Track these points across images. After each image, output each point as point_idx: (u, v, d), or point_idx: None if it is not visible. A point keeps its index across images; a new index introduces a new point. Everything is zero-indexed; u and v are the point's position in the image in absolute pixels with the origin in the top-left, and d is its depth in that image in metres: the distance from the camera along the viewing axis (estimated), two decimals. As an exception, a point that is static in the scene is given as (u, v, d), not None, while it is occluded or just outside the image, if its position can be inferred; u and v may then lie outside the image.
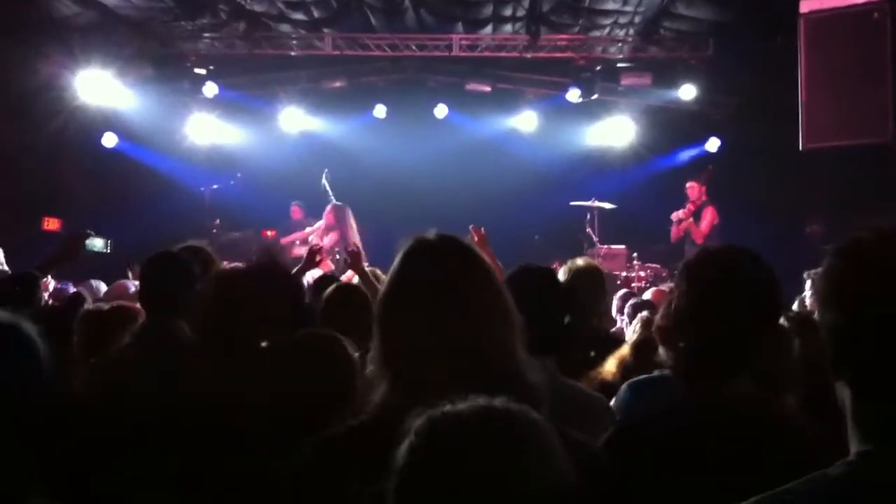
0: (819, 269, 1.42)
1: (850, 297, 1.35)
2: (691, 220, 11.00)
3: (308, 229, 11.95)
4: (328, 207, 11.43)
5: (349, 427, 1.87)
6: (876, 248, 1.36)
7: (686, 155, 12.73)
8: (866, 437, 1.33)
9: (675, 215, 11.16)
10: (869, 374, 1.33)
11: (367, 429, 1.83)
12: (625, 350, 3.73)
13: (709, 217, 10.97)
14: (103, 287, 6.70)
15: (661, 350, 2.31)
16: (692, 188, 11.18)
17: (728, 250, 2.16)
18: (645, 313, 4.07)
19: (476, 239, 5.61)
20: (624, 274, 10.66)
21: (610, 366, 3.66)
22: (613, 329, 5.73)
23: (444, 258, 1.89)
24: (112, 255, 5.69)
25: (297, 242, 11.90)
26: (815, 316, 1.52)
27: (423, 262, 1.90)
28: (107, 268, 7.33)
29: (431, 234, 1.95)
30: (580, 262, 4.39)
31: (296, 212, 12.61)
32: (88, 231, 4.87)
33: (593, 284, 4.17)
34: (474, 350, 1.78)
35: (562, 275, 4.23)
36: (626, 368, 3.62)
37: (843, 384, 1.37)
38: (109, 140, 12.34)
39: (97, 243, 5.04)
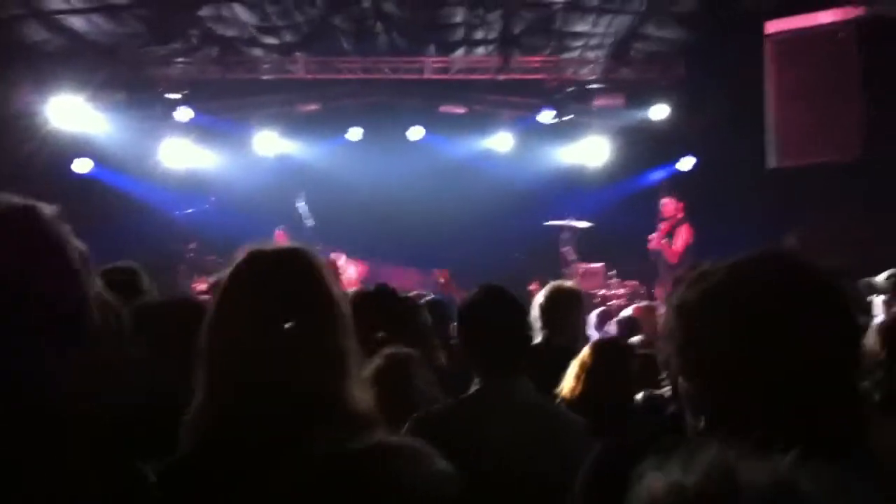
0: None
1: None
2: (665, 239, 10.97)
3: None
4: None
5: (170, 462, 1.73)
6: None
7: (660, 173, 12.82)
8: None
9: (651, 238, 11.06)
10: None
11: (189, 463, 1.72)
12: (584, 355, 3.66)
13: (683, 236, 10.86)
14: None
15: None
16: (667, 205, 11.12)
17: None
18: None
19: (443, 282, 5.67)
20: (602, 292, 10.70)
21: (568, 381, 3.61)
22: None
23: (280, 277, 1.77)
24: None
25: None
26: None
27: (256, 284, 1.78)
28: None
29: (268, 245, 1.84)
30: (559, 283, 4.42)
31: (280, 237, 12.52)
32: None
33: (570, 305, 4.20)
34: (304, 381, 1.69)
35: (540, 296, 4.26)
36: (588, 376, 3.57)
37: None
38: (82, 166, 12.24)
39: None
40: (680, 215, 11.00)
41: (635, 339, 5.22)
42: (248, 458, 1.64)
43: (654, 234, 11.02)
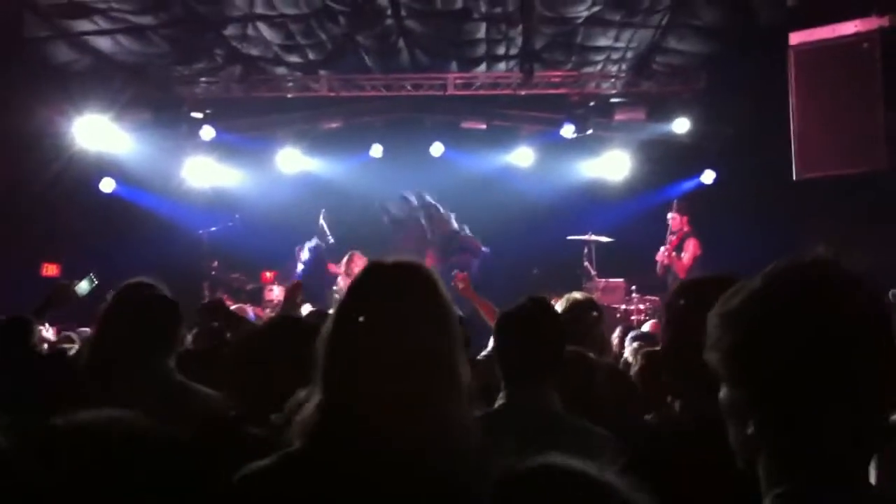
0: None
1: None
2: (674, 254, 10.91)
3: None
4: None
5: (279, 457, 1.79)
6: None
7: (682, 187, 12.76)
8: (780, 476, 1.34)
9: (660, 255, 11.07)
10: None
11: (298, 461, 1.77)
12: None
13: (691, 249, 10.84)
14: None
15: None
16: (674, 219, 11.10)
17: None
18: (635, 343, 4.07)
19: (461, 287, 5.68)
20: (623, 307, 10.66)
21: None
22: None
23: (399, 291, 1.80)
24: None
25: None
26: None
27: (376, 292, 1.81)
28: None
29: (388, 260, 1.87)
30: (576, 294, 4.41)
31: (302, 255, 12.59)
32: (91, 275, 4.90)
33: (588, 316, 4.18)
34: (412, 395, 1.71)
35: (559, 307, 4.25)
36: None
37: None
38: (107, 185, 12.38)
39: (83, 286, 5.06)
40: (686, 229, 10.97)
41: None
42: (361, 461, 1.68)
43: (660, 252, 10.99)
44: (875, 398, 1.33)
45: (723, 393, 1.43)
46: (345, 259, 11.02)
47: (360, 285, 1.85)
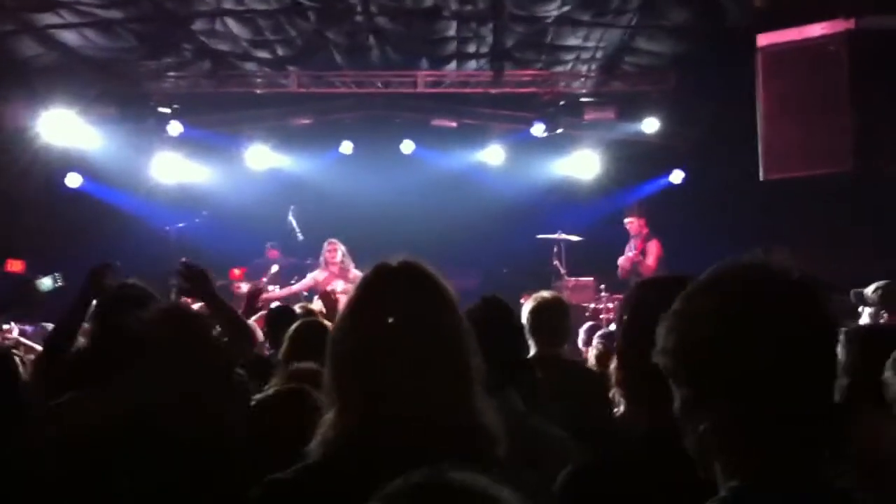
0: None
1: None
2: (640, 257, 10.90)
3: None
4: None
5: (298, 469, 1.77)
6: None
7: (651, 187, 12.84)
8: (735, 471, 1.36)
9: (625, 259, 11.10)
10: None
11: (317, 472, 1.75)
12: None
13: (654, 251, 10.87)
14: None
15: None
16: (632, 224, 11.13)
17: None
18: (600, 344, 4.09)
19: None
20: (592, 305, 10.71)
21: None
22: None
23: (411, 290, 1.81)
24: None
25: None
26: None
27: (389, 293, 1.82)
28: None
29: (394, 261, 1.87)
30: (544, 293, 4.41)
31: (272, 253, 12.47)
32: (58, 275, 4.84)
33: (557, 316, 4.19)
34: (435, 393, 1.72)
35: (527, 307, 4.26)
36: None
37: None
38: (73, 180, 12.24)
39: (45, 282, 5.00)
40: (645, 231, 11.01)
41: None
42: (380, 470, 1.65)
43: (622, 258, 11.03)
44: (821, 394, 1.36)
45: (675, 393, 1.44)
46: (324, 248, 10.84)
47: (373, 287, 1.85)
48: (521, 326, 2.95)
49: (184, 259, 3.79)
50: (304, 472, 1.76)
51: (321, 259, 10.85)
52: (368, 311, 1.81)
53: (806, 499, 1.32)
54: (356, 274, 10.07)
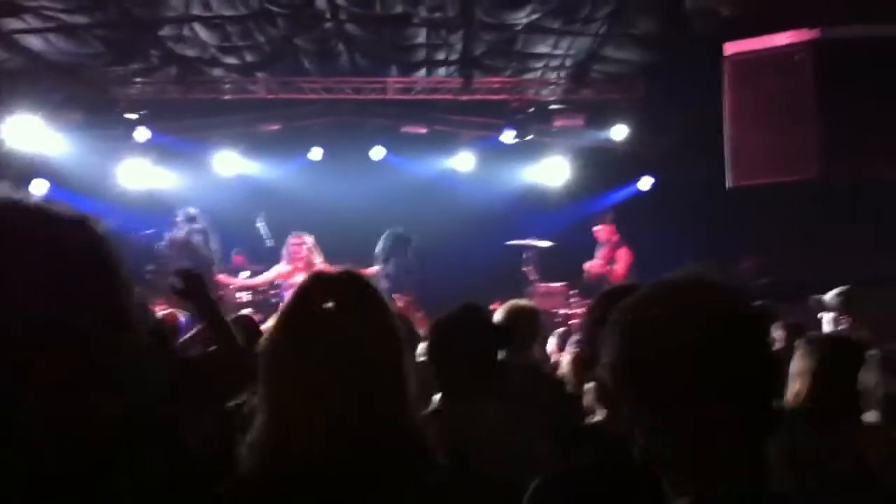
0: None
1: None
2: (608, 266, 11.00)
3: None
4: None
5: (229, 484, 1.72)
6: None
7: (620, 194, 12.93)
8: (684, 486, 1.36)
9: (593, 265, 11.15)
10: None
11: (246, 485, 1.70)
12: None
13: (624, 258, 10.98)
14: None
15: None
16: (600, 231, 11.22)
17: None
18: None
19: (401, 306, 5.65)
20: (563, 311, 10.74)
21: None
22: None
23: (346, 300, 1.76)
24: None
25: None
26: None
27: (323, 302, 1.76)
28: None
29: (329, 271, 1.84)
30: (517, 302, 4.42)
31: (238, 259, 12.39)
32: None
33: (530, 323, 4.20)
34: (366, 405, 1.68)
35: (500, 314, 4.26)
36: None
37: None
38: (39, 186, 12.08)
39: None
40: (615, 238, 11.09)
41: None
42: (312, 482, 1.64)
43: (591, 262, 11.10)
44: (753, 394, 1.36)
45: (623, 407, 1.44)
46: (288, 242, 10.70)
47: (305, 297, 1.81)
48: (500, 334, 2.94)
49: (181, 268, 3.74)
50: (239, 483, 1.72)
51: (285, 251, 10.69)
52: (299, 319, 1.77)
53: None
54: (322, 268, 10.01)
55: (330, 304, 1.75)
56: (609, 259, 11.00)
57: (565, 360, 4.66)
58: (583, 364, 2.28)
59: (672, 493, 1.37)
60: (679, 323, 1.35)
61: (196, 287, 3.49)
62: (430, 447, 1.75)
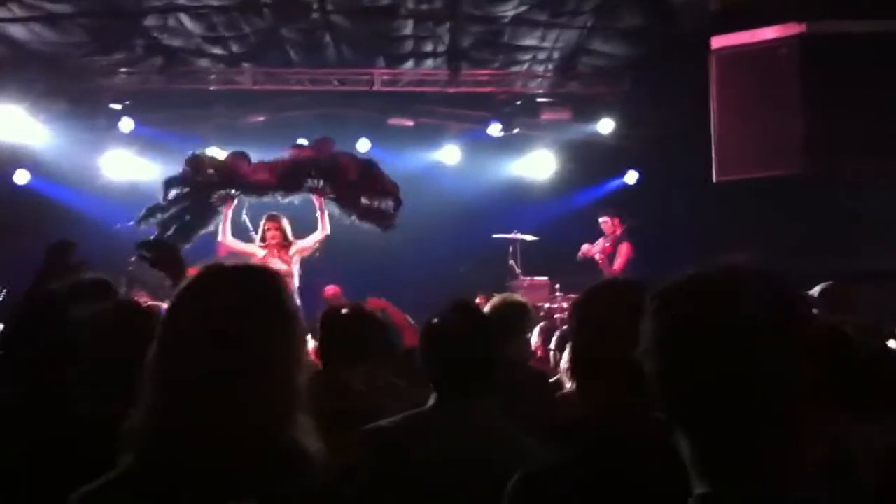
0: None
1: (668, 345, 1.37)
2: (606, 259, 10.94)
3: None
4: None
5: (108, 480, 1.66)
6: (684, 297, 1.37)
7: (606, 187, 12.95)
8: (702, 478, 1.34)
9: (592, 248, 11.11)
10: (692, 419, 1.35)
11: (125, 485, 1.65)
12: None
13: (624, 254, 10.89)
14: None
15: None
16: (606, 223, 11.14)
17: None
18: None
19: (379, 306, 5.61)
20: (547, 305, 10.73)
21: None
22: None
23: (235, 294, 1.69)
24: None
25: None
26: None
27: (210, 295, 1.70)
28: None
29: (227, 261, 1.76)
30: (507, 296, 4.41)
31: (222, 252, 12.29)
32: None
33: (520, 319, 4.19)
34: (243, 406, 1.62)
35: (487, 307, 4.25)
36: None
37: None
38: (22, 177, 12.01)
39: None
40: (619, 232, 11.05)
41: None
42: (185, 482, 1.60)
43: (590, 247, 11.04)
44: (784, 400, 1.33)
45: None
46: (262, 226, 10.47)
47: (195, 288, 1.73)
48: (492, 335, 2.89)
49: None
50: (120, 479, 1.67)
51: (258, 234, 10.43)
52: (184, 311, 1.71)
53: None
54: (300, 246, 9.98)
55: (214, 302, 1.69)
56: (610, 252, 10.97)
57: (564, 360, 4.64)
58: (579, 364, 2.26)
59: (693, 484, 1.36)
60: (705, 327, 1.33)
61: (165, 255, 3.44)
62: (302, 453, 1.67)
